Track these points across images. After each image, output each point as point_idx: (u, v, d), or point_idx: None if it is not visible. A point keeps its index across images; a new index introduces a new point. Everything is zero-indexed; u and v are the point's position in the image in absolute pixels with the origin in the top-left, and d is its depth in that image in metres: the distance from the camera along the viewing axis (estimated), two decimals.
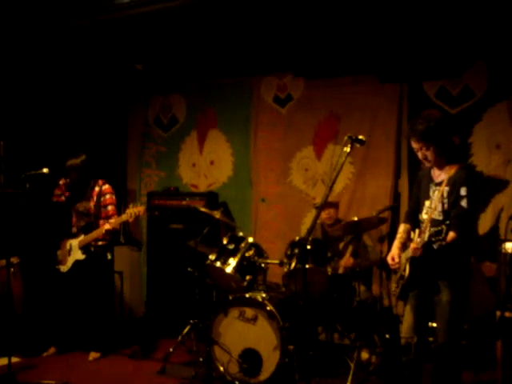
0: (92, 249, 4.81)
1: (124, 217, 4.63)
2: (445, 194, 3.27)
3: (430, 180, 3.43)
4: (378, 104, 5.37)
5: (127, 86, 6.55)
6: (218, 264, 4.25)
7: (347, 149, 3.13)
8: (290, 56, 5.50)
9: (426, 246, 3.16)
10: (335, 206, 5.01)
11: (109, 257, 4.93)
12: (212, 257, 4.32)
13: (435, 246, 3.17)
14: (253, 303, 4.11)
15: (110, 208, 4.88)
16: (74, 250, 4.85)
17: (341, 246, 4.92)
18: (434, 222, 3.24)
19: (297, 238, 4.36)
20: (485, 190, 4.94)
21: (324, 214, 4.91)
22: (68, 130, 5.87)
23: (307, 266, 3.98)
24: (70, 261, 4.86)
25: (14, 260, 4.95)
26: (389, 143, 5.35)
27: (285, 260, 4.29)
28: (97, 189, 4.90)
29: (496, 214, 4.91)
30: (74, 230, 4.96)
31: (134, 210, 4.58)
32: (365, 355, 4.41)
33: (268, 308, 4.02)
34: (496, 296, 4.12)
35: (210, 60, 5.75)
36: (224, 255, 4.30)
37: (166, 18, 4.67)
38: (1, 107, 5.39)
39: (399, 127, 5.32)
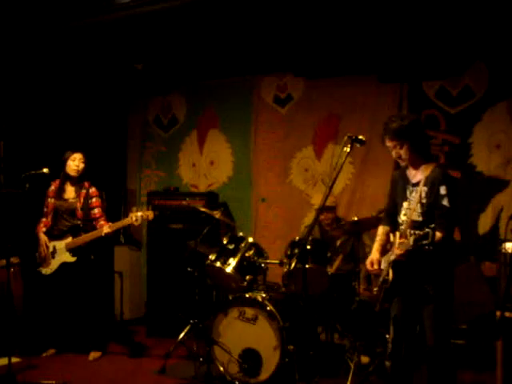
0: (78, 252, 4.75)
1: (127, 220, 4.62)
2: (423, 195, 3.20)
3: (407, 181, 3.37)
4: (378, 104, 5.37)
5: (127, 86, 6.55)
6: (218, 264, 4.25)
7: (347, 149, 3.13)
8: (290, 56, 5.51)
9: (412, 251, 3.06)
10: (332, 210, 4.98)
11: (92, 257, 4.86)
12: (212, 257, 4.32)
13: (424, 249, 3.03)
14: (253, 303, 4.11)
15: (96, 211, 4.85)
16: (59, 253, 4.78)
17: (338, 242, 4.91)
18: (414, 224, 3.17)
19: (297, 238, 4.36)
20: (485, 190, 4.94)
21: (322, 217, 4.91)
22: (68, 129, 5.87)
23: (307, 266, 3.97)
24: (55, 263, 4.78)
25: (14, 260, 4.95)
26: None
27: (285, 260, 4.29)
28: (83, 191, 4.87)
29: (496, 214, 4.91)
30: (44, 229, 4.86)
31: (142, 214, 4.58)
32: (365, 359, 4.41)
33: (268, 308, 4.02)
34: (496, 296, 4.12)
35: (210, 60, 5.76)
36: (224, 255, 4.30)
37: (166, 18, 4.68)
38: (1, 107, 5.39)
39: None
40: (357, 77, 5.47)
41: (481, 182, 4.97)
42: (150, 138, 6.67)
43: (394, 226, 3.44)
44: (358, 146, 3.23)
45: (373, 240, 5.17)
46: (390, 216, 3.52)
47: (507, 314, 3.55)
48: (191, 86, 6.40)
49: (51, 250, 4.82)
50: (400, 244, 3.12)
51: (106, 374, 4.50)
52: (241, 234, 4.48)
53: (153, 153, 6.66)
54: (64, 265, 4.77)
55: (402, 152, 3.27)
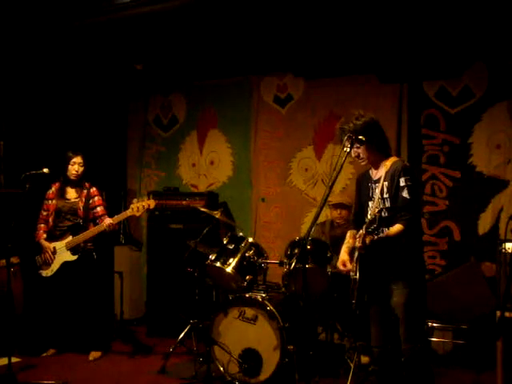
0: (79, 250, 4.76)
1: (129, 212, 4.62)
2: (385, 190, 3.20)
3: (369, 179, 3.37)
4: (378, 104, 5.36)
5: (127, 86, 6.55)
6: (218, 264, 4.25)
7: (347, 149, 3.13)
8: (290, 56, 5.51)
9: (370, 243, 3.06)
10: (349, 208, 4.96)
11: (94, 256, 4.88)
12: (212, 257, 4.32)
13: (375, 237, 3.05)
14: (253, 303, 4.11)
15: (99, 209, 4.88)
16: (59, 253, 4.77)
17: None
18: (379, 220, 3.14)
19: (297, 238, 4.36)
20: (485, 189, 4.95)
21: (336, 213, 4.90)
22: (68, 129, 5.87)
23: (307, 266, 3.97)
24: (56, 264, 4.77)
25: (14, 260, 4.95)
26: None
27: (285, 260, 4.29)
28: (84, 191, 4.89)
29: (496, 214, 4.91)
30: (44, 236, 4.84)
31: (143, 204, 4.59)
32: (365, 359, 4.40)
33: (268, 308, 4.02)
34: (496, 296, 4.12)
35: (210, 60, 5.76)
36: (224, 255, 4.29)
37: (166, 18, 4.68)
38: (1, 107, 5.39)
39: (399, 127, 5.32)
40: (357, 77, 5.47)
41: (481, 181, 4.97)
42: (150, 138, 6.66)
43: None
44: (357, 145, 3.24)
45: None
46: (358, 219, 3.49)
47: (507, 314, 3.55)
48: (191, 85, 6.40)
49: (52, 250, 4.82)
50: (359, 237, 3.13)
51: (106, 373, 4.50)
52: (241, 234, 4.47)
53: (153, 153, 6.66)
54: (65, 264, 4.77)
55: (360, 151, 3.27)
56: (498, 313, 3.63)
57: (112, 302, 5.80)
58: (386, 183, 3.20)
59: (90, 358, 4.79)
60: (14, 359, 4.16)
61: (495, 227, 4.90)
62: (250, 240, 4.41)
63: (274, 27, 4.86)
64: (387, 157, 3.31)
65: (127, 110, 6.79)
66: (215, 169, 6.31)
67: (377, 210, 3.07)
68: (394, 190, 3.16)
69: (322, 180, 5.69)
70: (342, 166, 3.04)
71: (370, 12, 4.50)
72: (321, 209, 3.04)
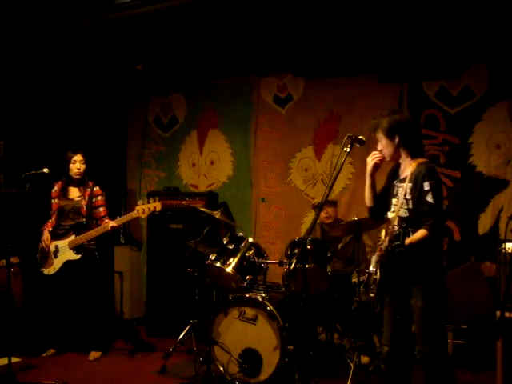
0: (82, 249, 4.76)
1: (134, 214, 4.60)
2: (408, 191, 3.16)
3: (396, 177, 3.32)
4: (378, 104, 5.36)
5: (127, 86, 6.55)
6: (218, 264, 4.25)
7: (347, 149, 3.12)
8: (290, 56, 5.51)
9: (390, 250, 3.05)
10: (334, 204, 5.00)
11: (96, 256, 4.88)
12: (212, 257, 4.32)
13: (396, 250, 3.04)
14: (253, 303, 4.11)
15: (101, 209, 4.88)
16: (62, 251, 4.76)
17: (339, 246, 4.91)
18: (401, 220, 3.15)
19: (297, 238, 4.36)
20: (485, 189, 4.95)
21: (323, 214, 4.91)
22: (68, 129, 5.87)
23: (307, 266, 3.97)
24: (58, 262, 4.76)
25: (14, 260, 4.95)
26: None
27: (285, 260, 4.29)
28: (88, 189, 4.90)
29: (496, 214, 4.91)
30: (50, 229, 4.86)
31: (149, 206, 4.57)
32: (365, 359, 4.40)
33: (268, 308, 4.02)
34: (496, 296, 4.12)
35: (210, 60, 5.76)
36: (224, 255, 4.30)
37: (166, 18, 4.68)
38: (1, 107, 5.39)
39: None
40: (357, 77, 5.48)
41: (481, 181, 4.98)
42: (150, 138, 6.67)
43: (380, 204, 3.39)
44: (357, 145, 3.23)
45: (373, 240, 5.21)
46: (377, 206, 3.40)
47: (507, 314, 3.54)
48: (191, 86, 6.40)
49: (53, 249, 4.80)
50: (380, 244, 3.13)
51: (106, 373, 4.50)
52: (241, 233, 4.48)
53: (153, 153, 6.66)
54: (67, 263, 4.77)
55: (384, 146, 3.24)
56: (498, 313, 3.63)
57: (112, 302, 5.80)
58: (409, 185, 3.15)
59: (90, 357, 4.79)
60: (14, 359, 4.15)
61: (495, 227, 4.90)
62: (250, 240, 4.41)
63: (274, 27, 4.86)
64: (414, 157, 3.24)
65: (127, 110, 6.79)
66: (215, 169, 6.32)
67: (397, 226, 3.05)
68: (418, 193, 3.11)
69: (322, 180, 5.70)
70: (341, 166, 3.04)
71: (370, 12, 4.50)
72: (321, 209, 3.05)
